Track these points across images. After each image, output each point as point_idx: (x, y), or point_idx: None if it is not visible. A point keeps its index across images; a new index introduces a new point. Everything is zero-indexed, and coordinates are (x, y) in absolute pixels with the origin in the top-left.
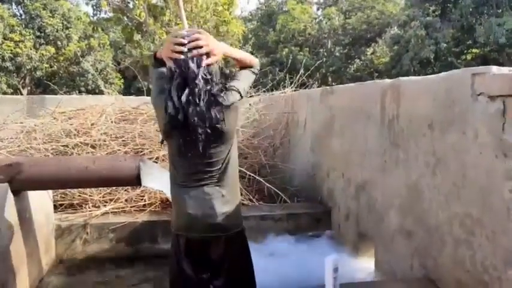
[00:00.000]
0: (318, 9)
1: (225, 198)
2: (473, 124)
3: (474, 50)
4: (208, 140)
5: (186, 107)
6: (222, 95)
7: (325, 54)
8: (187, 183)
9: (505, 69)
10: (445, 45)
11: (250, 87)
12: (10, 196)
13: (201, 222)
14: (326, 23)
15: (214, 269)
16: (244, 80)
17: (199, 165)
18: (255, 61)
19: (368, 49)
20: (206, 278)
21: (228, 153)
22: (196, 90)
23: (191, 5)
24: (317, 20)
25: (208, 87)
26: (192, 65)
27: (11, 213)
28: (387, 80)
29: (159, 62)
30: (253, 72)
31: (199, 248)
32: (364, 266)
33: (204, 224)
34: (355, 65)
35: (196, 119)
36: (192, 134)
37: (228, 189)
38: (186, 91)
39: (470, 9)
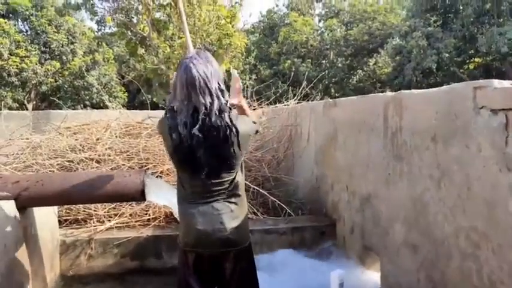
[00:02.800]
0: (319, 21)
1: (234, 214)
2: (476, 137)
3: (476, 60)
4: (215, 168)
5: (197, 136)
6: (234, 124)
7: (328, 65)
8: (196, 200)
9: (506, 83)
10: (447, 55)
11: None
12: (16, 213)
13: (211, 238)
14: (328, 34)
15: (222, 284)
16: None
17: (208, 185)
18: (258, 124)
19: (370, 60)
20: None
21: (236, 174)
22: (210, 116)
23: (194, 19)
24: (319, 31)
25: (221, 112)
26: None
27: (16, 230)
28: (389, 93)
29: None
30: (256, 129)
31: (209, 264)
32: (370, 279)
33: (214, 240)
34: (357, 76)
35: (202, 151)
36: (199, 165)
37: (237, 205)
38: (201, 116)
39: (472, 19)
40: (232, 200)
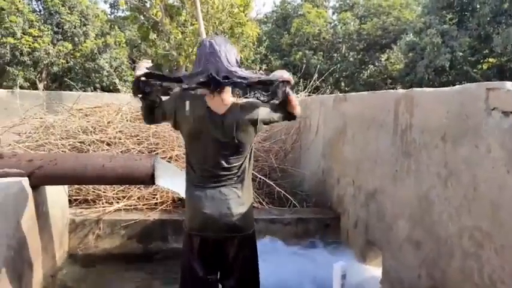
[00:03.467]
0: (333, 13)
1: (241, 200)
2: (486, 138)
3: (490, 60)
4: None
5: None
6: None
7: (339, 59)
8: (204, 184)
9: None
10: (461, 53)
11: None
12: (29, 190)
13: (217, 223)
14: (341, 27)
15: (225, 269)
16: (274, 111)
17: (218, 169)
18: (297, 112)
19: (382, 55)
20: (216, 278)
21: (244, 160)
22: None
23: (207, 6)
24: (332, 24)
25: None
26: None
27: (28, 207)
28: (401, 90)
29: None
30: (289, 119)
31: (213, 248)
32: (372, 273)
33: (220, 224)
34: (368, 71)
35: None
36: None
37: (243, 191)
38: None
39: (488, 19)
40: (240, 186)
